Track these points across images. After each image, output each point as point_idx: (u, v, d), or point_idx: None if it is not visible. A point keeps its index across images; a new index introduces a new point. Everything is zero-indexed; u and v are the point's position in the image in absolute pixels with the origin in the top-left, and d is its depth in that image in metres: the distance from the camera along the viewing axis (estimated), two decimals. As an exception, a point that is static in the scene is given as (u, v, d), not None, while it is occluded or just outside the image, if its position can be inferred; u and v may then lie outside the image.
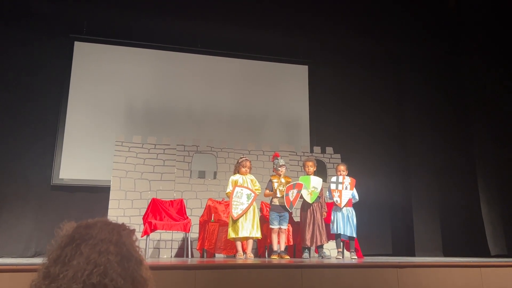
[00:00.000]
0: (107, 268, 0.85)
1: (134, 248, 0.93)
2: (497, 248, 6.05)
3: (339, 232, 4.93)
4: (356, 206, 5.12)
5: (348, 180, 5.05)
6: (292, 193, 4.92)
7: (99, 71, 6.83)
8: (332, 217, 5.02)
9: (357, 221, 5.00)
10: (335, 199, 4.99)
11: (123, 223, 0.98)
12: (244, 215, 4.66)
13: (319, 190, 5.07)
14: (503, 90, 6.59)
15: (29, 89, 6.40)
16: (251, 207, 4.73)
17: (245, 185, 4.83)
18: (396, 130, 7.60)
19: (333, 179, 5.14)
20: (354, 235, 4.96)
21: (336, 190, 5.01)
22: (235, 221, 4.65)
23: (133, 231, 0.98)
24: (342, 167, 5.16)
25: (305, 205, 5.09)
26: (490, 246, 6.11)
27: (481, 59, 6.78)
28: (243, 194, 4.72)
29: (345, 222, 4.92)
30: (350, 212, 4.99)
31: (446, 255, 6.57)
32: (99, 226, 0.92)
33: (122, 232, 0.94)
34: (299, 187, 4.96)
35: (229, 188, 4.84)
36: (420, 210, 6.87)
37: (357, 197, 5.10)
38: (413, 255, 6.60)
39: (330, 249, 5.71)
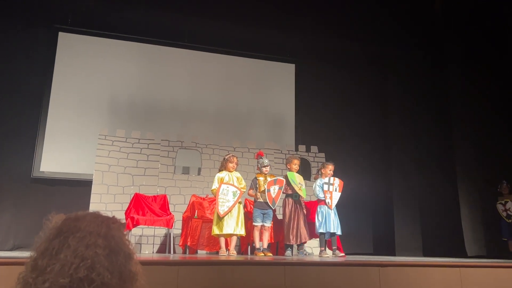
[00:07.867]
0: (95, 262, 0.83)
1: (123, 242, 0.91)
2: (476, 249, 6.17)
3: (324, 231, 4.95)
4: (338, 204, 5.14)
5: (337, 182, 5.09)
6: (274, 190, 4.88)
7: (83, 63, 6.71)
8: (316, 216, 5.05)
9: (339, 219, 5.05)
10: (327, 200, 5.02)
11: (113, 216, 0.96)
12: (229, 212, 4.65)
13: (304, 187, 5.11)
14: (485, 94, 6.72)
15: (10, 79, 6.25)
16: (236, 204, 4.71)
17: (231, 182, 4.81)
18: (380, 131, 7.68)
19: (326, 179, 5.14)
20: (340, 232, 5.00)
21: (328, 192, 5.04)
22: (220, 218, 4.63)
23: (124, 224, 0.97)
24: (331, 166, 5.18)
25: (288, 203, 5.09)
26: (466, 247, 6.23)
27: (464, 61, 6.89)
28: (229, 191, 4.69)
29: (331, 221, 4.96)
30: (334, 210, 5.03)
31: (426, 255, 6.67)
32: (88, 219, 0.91)
33: (111, 225, 0.92)
34: (280, 183, 4.93)
35: (215, 185, 4.81)
36: (401, 210, 6.96)
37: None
38: (393, 254, 6.68)
39: (312, 247, 5.75)
